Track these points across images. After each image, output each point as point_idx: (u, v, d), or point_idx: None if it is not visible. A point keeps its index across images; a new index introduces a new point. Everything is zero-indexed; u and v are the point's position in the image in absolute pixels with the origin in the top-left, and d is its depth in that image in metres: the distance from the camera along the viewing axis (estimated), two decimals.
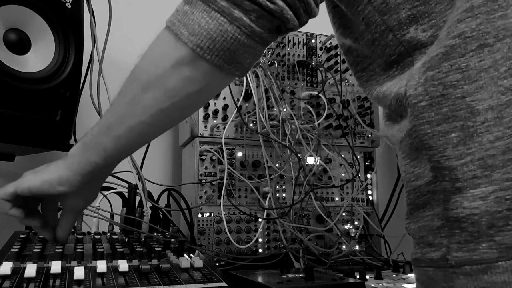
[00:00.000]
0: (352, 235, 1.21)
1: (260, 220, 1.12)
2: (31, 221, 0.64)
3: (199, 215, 1.09)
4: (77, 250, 0.68)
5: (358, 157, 1.28)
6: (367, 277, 0.88)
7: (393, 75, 0.55)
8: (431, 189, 0.48)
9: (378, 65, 0.58)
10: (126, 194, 1.00)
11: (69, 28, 0.90)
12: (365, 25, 0.55)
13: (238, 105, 1.11)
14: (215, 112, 1.13)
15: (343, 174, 1.26)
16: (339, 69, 1.26)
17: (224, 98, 1.15)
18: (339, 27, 0.63)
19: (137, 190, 0.97)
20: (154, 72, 0.53)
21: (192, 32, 0.49)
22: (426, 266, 0.49)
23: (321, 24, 1.36)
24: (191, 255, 0.73)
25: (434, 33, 0.49)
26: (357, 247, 1.21)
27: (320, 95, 1.21)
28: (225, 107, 1.14)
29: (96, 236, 0.84)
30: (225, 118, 1.14)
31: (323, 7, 0.60)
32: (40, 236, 0.78)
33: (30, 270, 0.57)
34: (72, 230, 0.95)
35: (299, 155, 1.14)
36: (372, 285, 0.82)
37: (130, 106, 0.55)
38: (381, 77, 0.57)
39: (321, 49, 1.28)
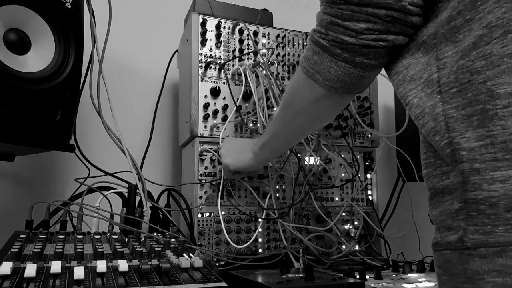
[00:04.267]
0: (352, 235, 1.21)
1: (260, 220, 1.12)
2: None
3: (199, 215, 1.09)
4: (77, 250, 0.68)
5: (358, 157, 1.28)
6: (367, 277, 0.88)
7: (418, 56, 0.56)
8: (451, 173, 0.49)
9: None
10: (126, 194, 1.00)
11: (69, 28, 0.90)
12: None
13: (237, 105, 1.11)
14: (215, 112, 1.13)
15: (343, 174, 1.26)
16: None
17: (224, 98, 1.15)
18: None
19: (137, 190, 0.97)
20: (302, 105, 0.73)
21: (326, 78, 0.64)
22: (444, 249, 0.50)
23: None
24: (191, 255, 0.73)
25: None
26: (357, 247, 1.21)
27: None
28: (225, 107, 1.14)
29: (96, 236, 0.84)
30: (225, 118, 1.14)
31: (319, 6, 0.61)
32: (41, 236, 0.78)
33: (30, 270, 0.57)
34: (72, 230, 0.96)
35: (299, 155, 1.14)
36: (372, 285, 0.82)
37: (285, 128, 0.83)
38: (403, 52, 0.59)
39: None
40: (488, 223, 0.44)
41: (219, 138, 1.11)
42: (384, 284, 0.84)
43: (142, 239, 0.84)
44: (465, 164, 0.47)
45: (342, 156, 1.24)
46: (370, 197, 1.28)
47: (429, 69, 0.53)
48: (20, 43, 0.85)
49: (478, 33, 0.48)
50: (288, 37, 1.25)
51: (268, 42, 1.23)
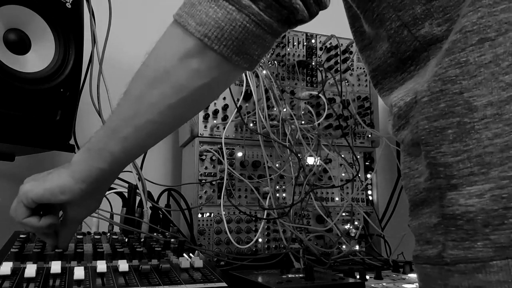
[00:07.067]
0: (352, 235, 1.21)
1: (260, 220, 1.12)
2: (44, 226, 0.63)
3: (199, 215, 1.09)
4: (77, 250, 0.68)
5: (358, 157, 1.28)
6: (367, 277, 0.88)
7: (409, 70, 0.53)
8: (427, 186, 0.48)
9: (389, 65, 0.56)
10: (126, 194, 1.00)
11: (69, 28, 0.90)
12: (379, 22, 0.54)
13: (238, 105, 1.11)
14: (215, 112, 1.13)
15: (343, 174, 1.26)
16: (339, 69, 1.26)
17: (224, 98, 1.15)
18: (353, 22, 0.62)
19: (137, 190, 0.97)
20: (161, 67, 0.52)
21: (200, 22, 0.49)
22: (424, 263, 0.49)
23: (321, 24, 1.37)
24: (191, 255, 0.73)
25: (449, 27, 0.48)
26: (357, 247, 1.21)
27: (320, 95, 1.21)
28: (225, 107, 1.14)
29: (96, 236, 0.84)
30: (225, 118, 1.14)
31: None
32: None
33: (30, 270, 0.57)
34: None
35: (299, 155, 1.14)
36: (372, 285, 0.82)
37: (136, 105, 0.54)
38: (395, 78, 0.56)
39: (321, 49, 1.28)
40: (466, 239, 0.43)
41: (219, 138, 1.11)
42: (384, 284, 0.84)
43: (142, 239, 0.84)
44: (442, 180, 0.45)
45: (342, 156, 1.24)
46: (370, 197, 1.28)
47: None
48: (20, 43, 0.85)
49: (452, 39, 0.45)
50: (288, 37, 1.25)
51: None
